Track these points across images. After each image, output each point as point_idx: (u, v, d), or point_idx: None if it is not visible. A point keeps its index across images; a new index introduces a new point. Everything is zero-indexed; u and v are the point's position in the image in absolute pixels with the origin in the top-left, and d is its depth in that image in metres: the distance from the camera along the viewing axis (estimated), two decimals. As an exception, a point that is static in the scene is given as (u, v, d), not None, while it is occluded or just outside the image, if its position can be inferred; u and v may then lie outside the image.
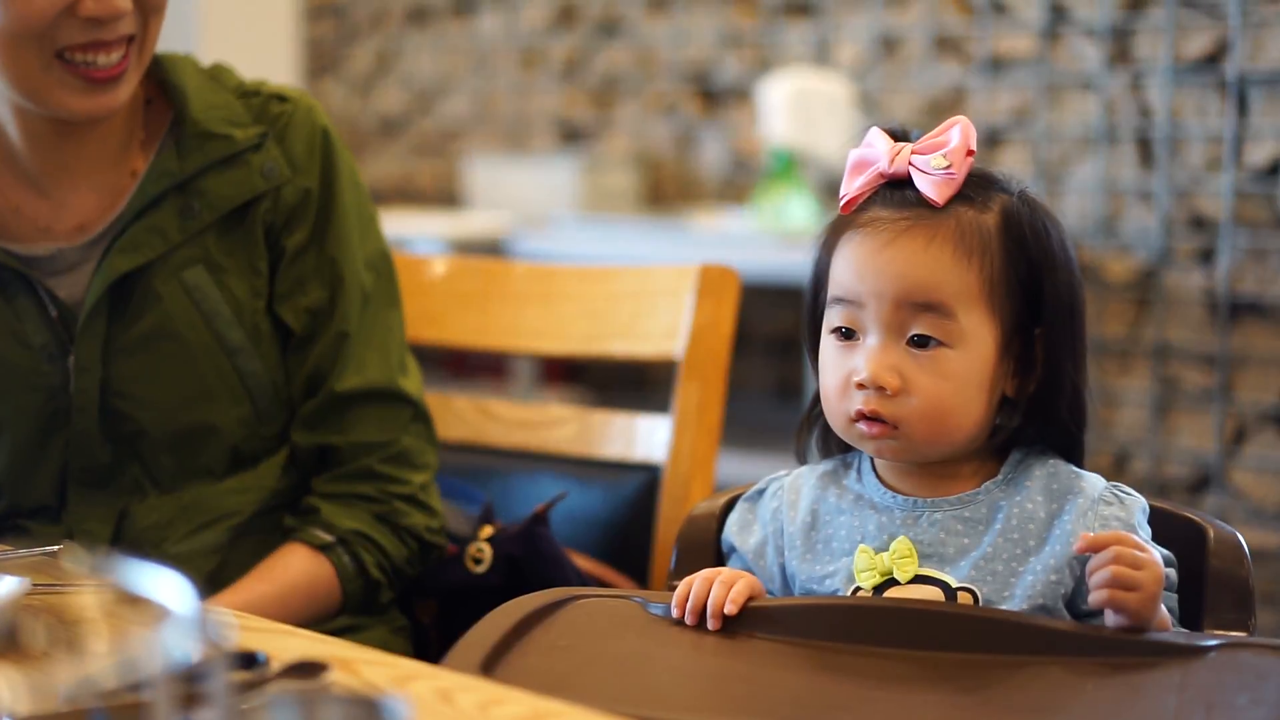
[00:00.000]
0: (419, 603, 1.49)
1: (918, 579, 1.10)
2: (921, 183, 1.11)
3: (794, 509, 1.18)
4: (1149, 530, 1.12)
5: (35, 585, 1.05)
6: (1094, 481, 1.12)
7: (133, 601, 0.66)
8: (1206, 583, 1.12)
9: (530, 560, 1.41)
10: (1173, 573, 1.09)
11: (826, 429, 1.21)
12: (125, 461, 1.37)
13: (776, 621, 1.07)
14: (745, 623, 1.07)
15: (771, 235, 2.97)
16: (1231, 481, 2.83)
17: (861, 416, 1.11)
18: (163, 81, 1.40)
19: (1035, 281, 1.12)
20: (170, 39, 1.38)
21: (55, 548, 1.19)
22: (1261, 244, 2.76)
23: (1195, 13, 2.81)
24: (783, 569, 1.17)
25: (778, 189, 3.07)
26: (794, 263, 2.59)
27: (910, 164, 1.12)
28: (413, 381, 1.46)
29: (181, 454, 1.37)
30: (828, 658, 1.02)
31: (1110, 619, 1.03)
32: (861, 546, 1.13)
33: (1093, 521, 1.09)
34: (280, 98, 1.43)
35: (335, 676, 0.90)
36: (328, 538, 1.38)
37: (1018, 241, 1.12)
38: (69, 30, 1.27)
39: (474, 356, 3.44)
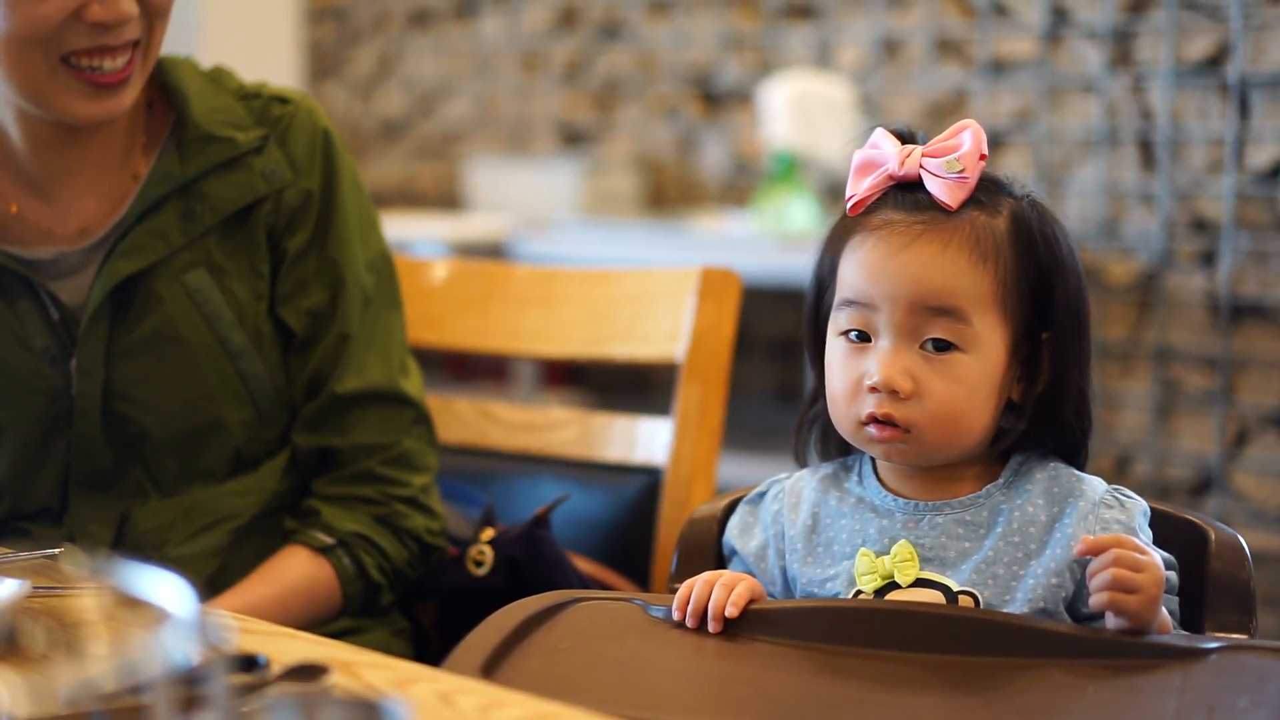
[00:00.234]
0: (420, 605, 1.49)
1: (919, 583, 1.10)
2: (934, 186, 1.11)
3: (795, 512, 1.18)
4: (1150, 533, 1.11)
5: (35, 588, 1.05)
6: (1095, 485, 1.12)
7: (133, 604, 0.66)
8: (1208, 585, 1.12)
9: (531, 563, 1.41)
10: (1173, 575, 1.09)
11: (825, 432, 1.21)
12: (127, 464, 1.37)
13: (777, 624, 1.07)
14: (746, 625, 1.07)
15: (773, 238, 2.97)
16: (1233, 484, 2.83)
17: (872, 420, 1.10)
18: (164, 85, 1.40)
19: (1044, 286, 1.12)
20: (171, 42, 1.38)
21: (56, 551, 1.19)
22: (1263, 246, 2.76)
23: (1196, 15, 2.81)
24: (784, 572, 1.17)
25: (779, 192, 3.08)
26: (795, 265, 2.59)
27: (922, 167, 1.12)
28: (414, 383, 1.46)
29: (184, 456, 1.37)
30: (828, 660, 1.02)
31: (1111, 622, 1.03)
32: (862, 550, 1.13)
33: (1093, 525, 1.09)
34: (281, 100, 1.43)
35: (336, 679, 0.90)
36: (328, 540, 1.38)
37: (1028, 246, 1.12)
38: (75, 35, 1.27)
39: (475, 359, 3.44)
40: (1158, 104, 2.87)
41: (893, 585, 1.11)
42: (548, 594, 1.12)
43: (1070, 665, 1.00)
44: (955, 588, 1.09)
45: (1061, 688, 0.98)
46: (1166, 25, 2.84)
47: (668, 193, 3.61)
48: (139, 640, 0.63)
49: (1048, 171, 2.99)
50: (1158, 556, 1.04)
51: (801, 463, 1.24)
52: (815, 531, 1.16)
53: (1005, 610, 1.08)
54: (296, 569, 1.36)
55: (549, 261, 3.02)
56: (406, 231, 3.29)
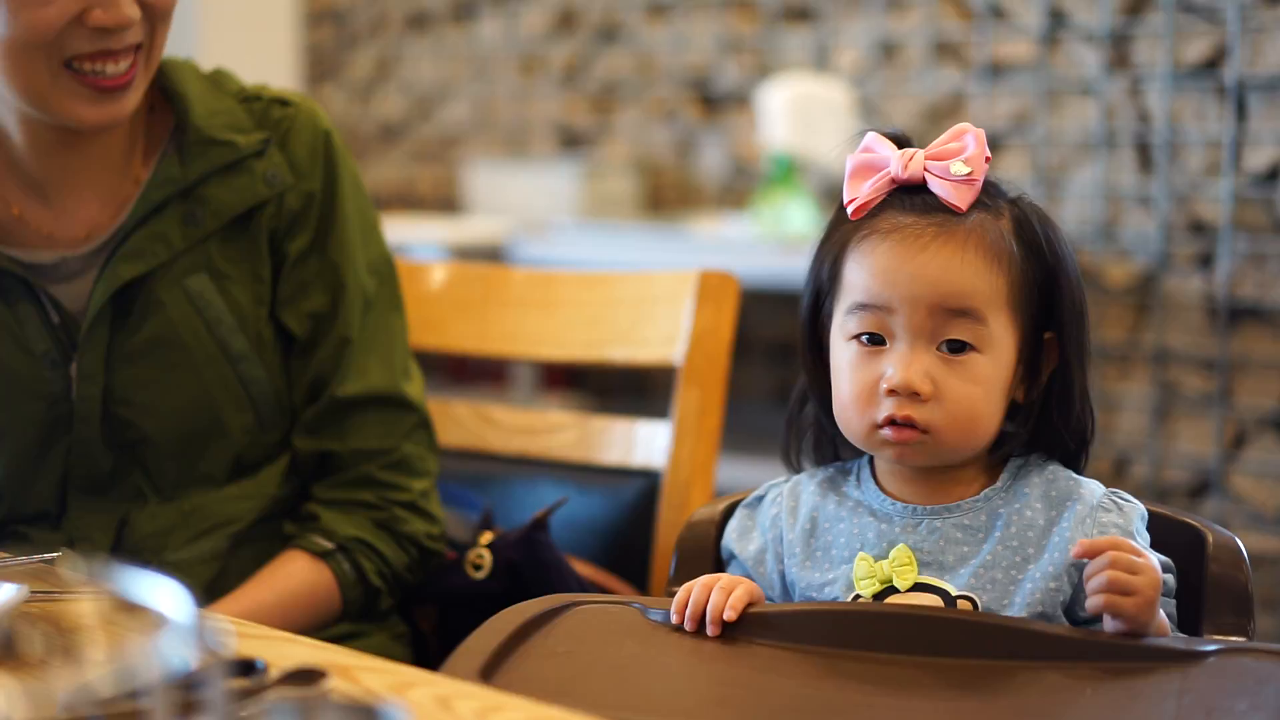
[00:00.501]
0: (419, 609, 1.49)
1: (917, 587, 1.10)
2: (941, 188, 1.11)
3: (793, 516, 1.18)
4: (1147, 537, 1.12)
5: (33, 593, 1.05)
6: (1092, 488, 1.12)
7: (130, 609, 0.66)
8: (1206, 588, 1.12)
9: (530, 566, 1.41)
10: (1171, 578, 1.09)
11: (819, 438, 1.21)
12: (127, 468, 1.37)
13: (775, 627, 1.07)
14: (744, 629, 1.07)
15: (771, 241, 2.97)
16: (1231, 486, 2.83)
17: (889, 422, 1.10)
18: (165, 88, 1.40)
19: (1049, 285, 1.13)
20: (169, 44, 1.37)
21: (53, 555, 1.19)
22: (1261, 249, 2.76)
23: (1194, 18, 2.81)
24: (782, 576, 1.17)
25: (777, 195, 3.08)
26: (794, 268, 2.58)
27: (926, 169, 1.12)
28: (416, 386, 1.46)
29: (184, 461, 1.37)
30: (827, 663, 1.02)
31: (1108, 624, 1.03)
32: (861, 554, 1.13)
33: (1091, 528, 1.09)
34: (282, 102, 1.43)
35: (334, 684, 0.90)
36: (328, 545, 1.38)
37: (1032, 246, 1.13)
38: (77, 40, 1.27)
39: (474, 362, 3.44)
40: (1155, 106, 2.87)
41: (891, 590, 1.11)
42: (546, 598, 1.12)
43: (1069, 668, 1.00)
44: (954, 592, 1.09)
45: (1060, 690, 0.98)
46: (1164, 28, 2.84)
47: (666, 196, 3.61)
48: (137, 645, 0.63)
49: (1046, 174, 2.99)
50: (1154, 559, 1.04)
51: (793, 469, 1.24)
52: (814, 535, 1.16)
53: (1004, 614, 1.08)
54: (296, 574, 1.36)
55: (547, 264, 3.02)
56: (405, 234, 3.28)
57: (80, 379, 1.34)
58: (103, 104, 1.30)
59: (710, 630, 1.07)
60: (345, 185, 1.43)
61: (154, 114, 1.41)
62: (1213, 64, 2.80)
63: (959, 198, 1.11)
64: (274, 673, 0.90)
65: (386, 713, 0.69)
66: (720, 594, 1.08)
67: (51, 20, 1.25)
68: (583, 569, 1.49)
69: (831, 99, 3.05)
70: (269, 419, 1.40)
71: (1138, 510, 1.12)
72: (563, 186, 3.48)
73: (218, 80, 1.44)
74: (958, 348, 1.10)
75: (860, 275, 1.13)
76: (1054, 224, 1.15)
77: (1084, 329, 1.15)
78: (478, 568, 1.43)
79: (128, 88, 1.31)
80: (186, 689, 0.71)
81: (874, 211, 1.14)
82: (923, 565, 1.11)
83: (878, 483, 1.17)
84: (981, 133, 1.13)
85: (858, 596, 1.12)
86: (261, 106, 1.43)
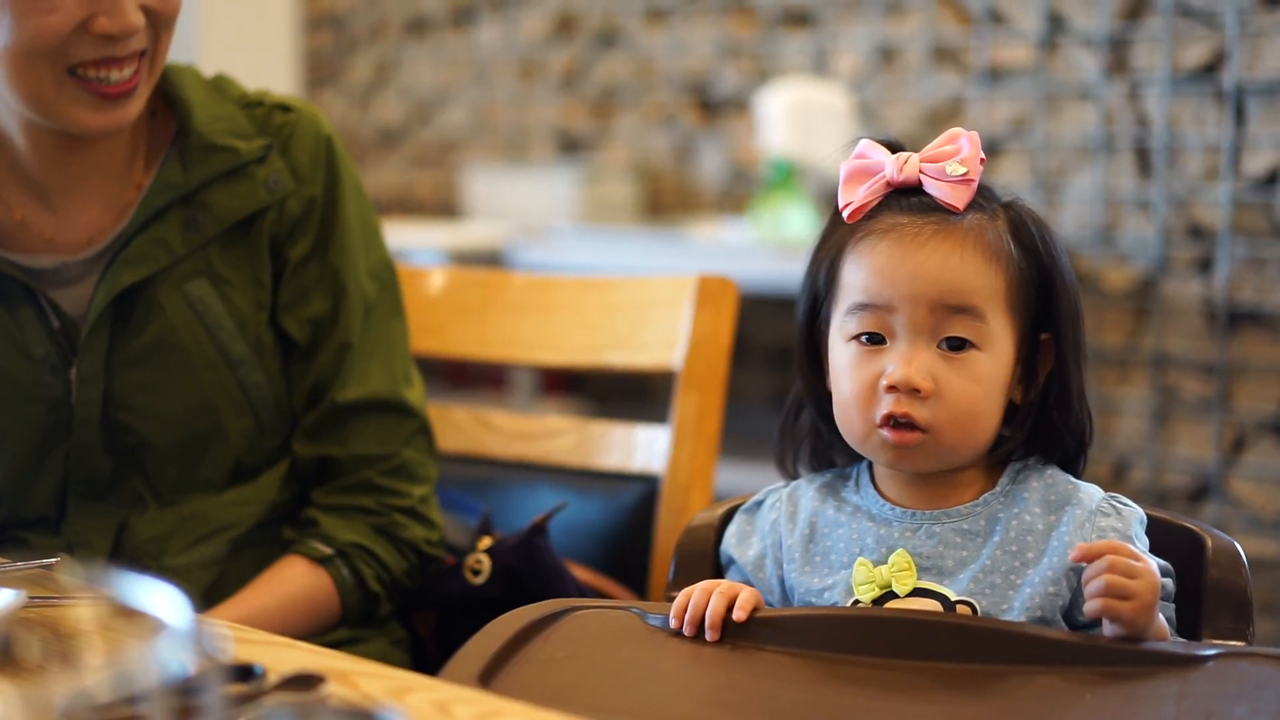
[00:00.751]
0: (418, 614, 1.49)
1: (916, 592, 1.10)
2: (937, 189, 1.12)
3: (792, 521, 1.18)
4: (1146, 541, 1.12)
5: (31, 598, 1.05)
6: (1091, 492, 1.12)
7: (129, 614, 0.66)
8: (1205, 592, 1.12)
9: (529, 571, 1.41)
10: (1169, 582, 1.09)
11: (815, 445, 1.21)
12: (126, 473, 1.37)
13: (774, 632, 1.07)
14: (743, 633, 1.07)
15: (770, 245, 2.97)
16: (1230, 490, 2.83)
17: (889, 420, 1.10)
18: (167, 94, 1.40)
19: (1045, 286, 1.14)
20: (170, 50, 1.38)
21: (52, 560, 1.19)
22: (1259, 253, 2.77)
23: (1193, 22, 2.81)
24: (781, 581, 1.17)
25: (776, 199, 3.08)
26: (793, 273, 2.58)
27: (921, 172, 1.12)
28: (416, 392, 1.46)
29: (183, 466, 1.37)
30: (826, 668, 1.02)
31: (1106, 629, 1.03)
32: (860, 559, 1.13)
33: (1090, 533, 1.09)
34: (284, 108, 1.43)
35: (333, 689, 0.90)
36: (327, 550, 1.38)
37: (1027, 247, 1.13)
38: (82, 47, 1.27)
39: (473, 367, 3.44)
40: (1154, 111, 2.87)
41: (890, 595, 1.11)
42: (545, 602, 1.12)
43: (1068, 672, 1.00)
44: (953, 597, 1.09)
45: (1059, 695, 0.98)
46: (1162, 32, 2.84)
47: (665, 200, 3.62)
48: (135, 650, 0.63)
49: (1044, 179, 2.99)
50: (1153, 563, 1.04)
51: (786, 474, 1.24)
52: (813, 541, 1.16)
53: (1003, 619, 1.08)
54: (295, 579, 1.36)
55: (547, 269, 3.02)
56: (404, 240, 3.29)
57: (80, 384, 1.34)
58: (106, 110, 1.30)
59: (709, 635, 1.07)
60: (346, 191, 1.43)
61: (156, 120, 1.42)
62: (1211, 68, 2.80)
63: (955, 198, 1.11)
64: (272, 678, 0.90)
65: (385, 718, 0.69)
66: (720, 599, 1.08)
67: (56, 27, 1.25)
68: (582, 574, 1.49)
69: (830, 104, 3.05)
70: (269, 424, 1.40)
71: (1136, 514, 1.12)
72: (562, 191, 3.48)
73: (219, 86, 1.44)
74: (958, 345, 1.10)
75: (859, 275, 1.13)
76: (1048, 226, 1.16)
77: (1080, 330, 1.15)
78: (477, 573, 1.43)
79: (131, 94, 1.31)
80: (185, 694, 0.71)
81: (870, 214, 1.14)
82: (922, 570, 1.11)
83: (877, 488, 1.17)
84: (975, 135, 1.13)
85: (857, 601, 1.12)
86: (263, 112, 1.43)
